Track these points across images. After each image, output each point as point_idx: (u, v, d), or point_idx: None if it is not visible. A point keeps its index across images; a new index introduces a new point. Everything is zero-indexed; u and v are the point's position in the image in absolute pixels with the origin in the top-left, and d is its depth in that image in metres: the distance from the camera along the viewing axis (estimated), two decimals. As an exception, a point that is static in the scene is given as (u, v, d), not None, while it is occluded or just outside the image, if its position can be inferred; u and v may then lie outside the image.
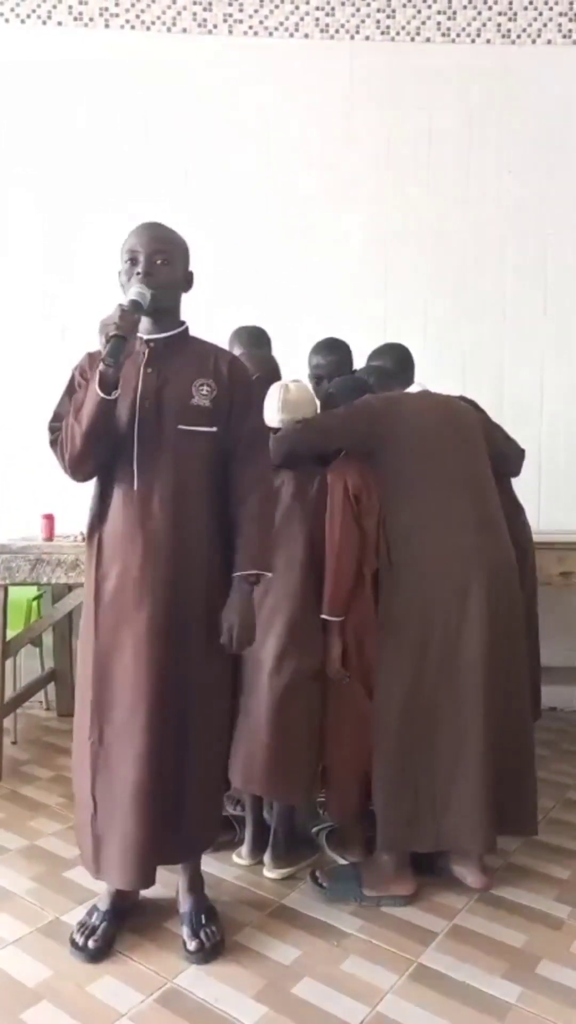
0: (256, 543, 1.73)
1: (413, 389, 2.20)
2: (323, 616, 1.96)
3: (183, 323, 1.79)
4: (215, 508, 1.74)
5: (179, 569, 1.68)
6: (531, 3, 3.38)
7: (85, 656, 1.75)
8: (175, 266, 1.72)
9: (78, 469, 1.72)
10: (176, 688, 1.68)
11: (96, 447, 1.67)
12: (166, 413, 1.70)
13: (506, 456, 2.25)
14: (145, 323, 1.72)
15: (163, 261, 1.69)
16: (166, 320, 1.75)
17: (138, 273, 1.68)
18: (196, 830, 1.76)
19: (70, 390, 1.78)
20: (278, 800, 2.05)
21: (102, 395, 1.60)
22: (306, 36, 3.39)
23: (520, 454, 2.33)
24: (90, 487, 1.80)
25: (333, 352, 2.37)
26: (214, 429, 1.71)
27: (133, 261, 1.70)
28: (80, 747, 1.75)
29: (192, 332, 1.81)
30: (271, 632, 1.95)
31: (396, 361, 2.37)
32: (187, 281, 1.78)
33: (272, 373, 2.25)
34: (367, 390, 2.15)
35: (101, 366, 1.58)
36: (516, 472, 2.33)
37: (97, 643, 1.71)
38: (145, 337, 1.73)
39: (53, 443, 1.75)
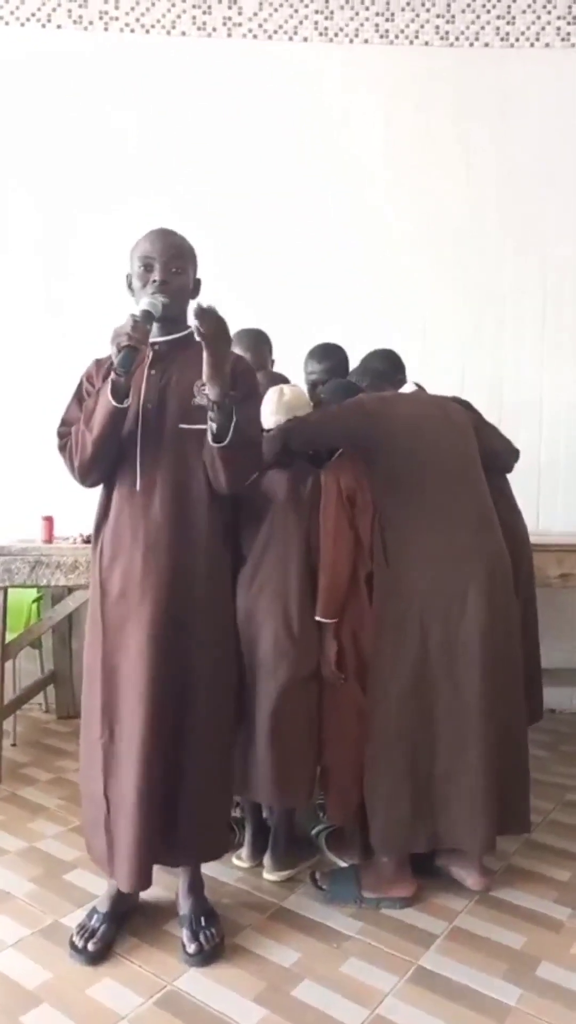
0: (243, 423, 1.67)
1: (407, 388, 2.20)
2: (318, 618, 1.96)
3: (188, 327, 1.81)
4: (216, 506, 1.75)
5: (180, 566, 1.70)
6: (529, 7, 3.39)
7: (93, 656, 1.75)
8: (187, 275, 1.77)
9: (88, 475, 1.75)
10: (178, 685, 1.69)
11: (106, 453, 1.70)
12: (168, 413, 1.72)
13: (498, 453, 2.25)
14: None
15: (177, 270, 1.74)
16: (172, 324, 1.77)
17: (154, 281, 1.70)
18: (199, 831, 1.76)
19: (78, 396, 1.81)
20: (277, 804, 2.04)
21: (115, 404, 1.62)
22: (305, 39, 3.39)
23: (513, 452, 2.33)
24: (92, 491, 1.82)
25: (328, 358, 2.37)
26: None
27: (148, 268, 1.72)
28: (90, 747, 1.75)
29: None
30: (267, 633, 1.94)
31: (386, 363, 2.37)
32: (195, 288, 1.82)
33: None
34: (359, 393, 2.16)
35: (112, 375, 1.61)
36: (509, 468, 2.34)
37: (105, 642, 1.72)
38: (151, 339, 1.75)
39: (62, 448, 1.77)
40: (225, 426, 1.64)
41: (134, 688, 1.67)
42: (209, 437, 1.66)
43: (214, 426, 1.65)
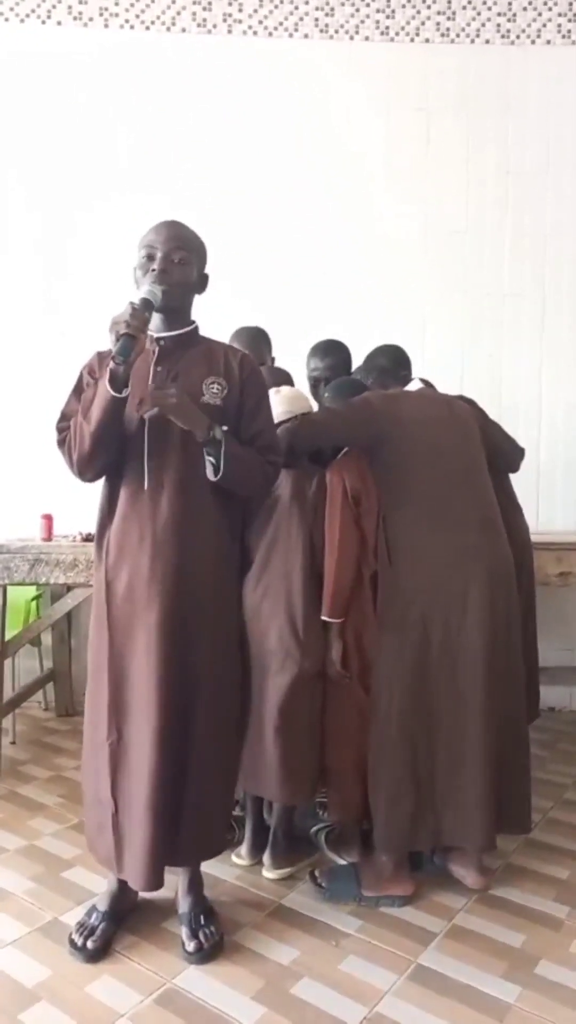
0: (236, 450, 1.69)
1: (412, 386, 2.19)
2: (323, 617, 1.96)
3: (193, 322, 1.80)
4: (223, 505, 1.74)
5: (188, 566, 1.68)
6: (530, 4, 3.38)
7: (99, 657, 1.74)
8: (191, 266, 1.73)
9: (87, 469, 1.72)
10: (186, 685, 1.68)
11: (105, 446, 1.67)
12: None
13: (505, 452, 2.25)
14: (156, 321, 1.72)
15: (180, 260, 1.70)
16: (177, 319, 1.75)
17: (153, 270, 1.68)
18: (203, 831, 1.76)
19: (78, 389, 1.78)
20: (282, 801, 2.04)
21: (113, 393, 1.60)
22: (306, 36, 3.39)
23: (519, 451, 2.33)
24: (91, 488, 1.80)
25: (331, 355, 2.36)
26: (224, 428, 1.71)
27: (150, 257, 1.70)
28: (96, 749, 1.74)
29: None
30: (272, 633, 1.94)
31: (392, 360, 2.37)
32: (201, 283, 1.79)
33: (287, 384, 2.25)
34: (365, 391, 2.15)
35: (111, 364, 1.58)
36: (515, 468, 2.34)
37: (111, 642, 1.71)
38: (156, 335, 1.73)
39: (61, 443, 1.74)
40: (218, 461, 1.66)
41: (143, 689, 1.66)
42: (209, 472, 1.68)
43: (212, 460, 1.67)
